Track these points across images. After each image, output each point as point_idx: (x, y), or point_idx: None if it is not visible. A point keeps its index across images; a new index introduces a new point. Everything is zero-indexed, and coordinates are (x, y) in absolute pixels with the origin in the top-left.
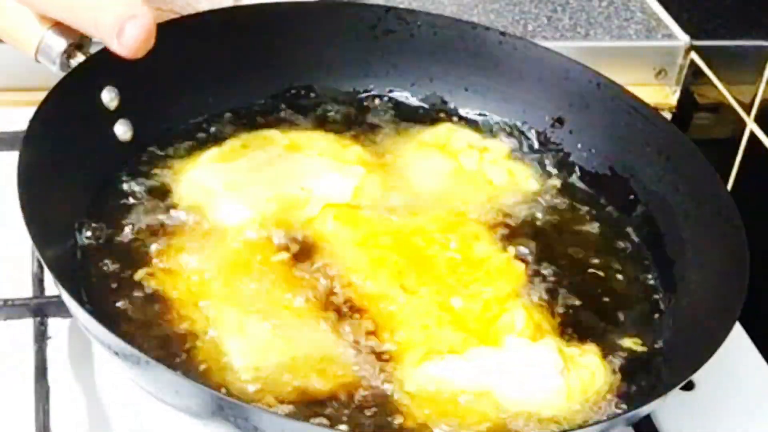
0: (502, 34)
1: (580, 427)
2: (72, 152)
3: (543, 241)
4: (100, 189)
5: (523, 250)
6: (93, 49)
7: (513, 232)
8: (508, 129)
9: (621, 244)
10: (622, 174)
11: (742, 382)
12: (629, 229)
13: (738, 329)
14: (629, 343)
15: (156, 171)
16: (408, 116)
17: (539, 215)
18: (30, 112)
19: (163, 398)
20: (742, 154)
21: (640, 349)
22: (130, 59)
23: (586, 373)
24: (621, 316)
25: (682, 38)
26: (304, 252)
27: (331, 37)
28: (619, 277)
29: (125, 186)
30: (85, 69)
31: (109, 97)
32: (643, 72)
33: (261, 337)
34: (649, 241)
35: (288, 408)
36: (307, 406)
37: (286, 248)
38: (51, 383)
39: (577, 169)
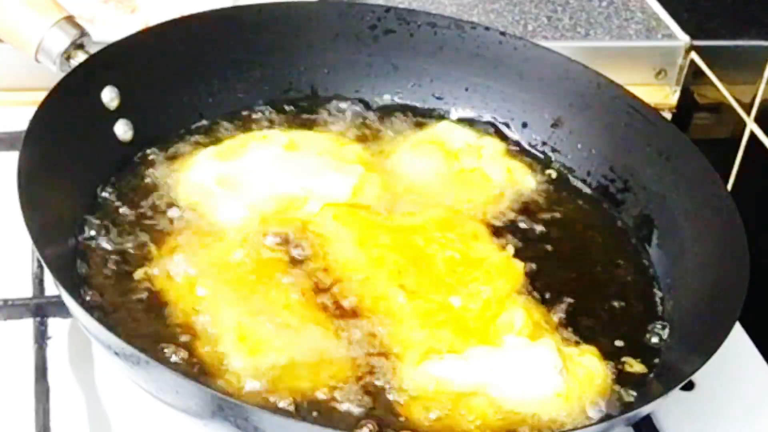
0: (502, 34)
1: (580, 427)
2: (72, 152)
3: (542, 239)
4: (100, 189)
5: (523, 248)
6: (93, 49)
7: (512, 231)
8: (507, 128)
9: (620, 243)
10: (622, 174)
11: (742, 382)
12: (629, 229)
13: (738, 329)
14: (628, 342)
15: (156, 171)
16: (408, 116)
17: (538, 214)
18: (30, 112)
19: (163, 398)
20: (742, 154)
21: (639, 349)
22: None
23: (585, 373)
24: (620, 316)
25: (682, 38)
26: (302, 251)
27: (331, 37)
28: (619, 276)
29: (125, 186)
30: (85, 69)
31: (109, 96)
32: (643, 72)
33: (260, 337)
34: (649, 241)
35: (288, 408)
36: (307, 405)
37: (285, 247)
38: (51, 383)
39: (576, 168)
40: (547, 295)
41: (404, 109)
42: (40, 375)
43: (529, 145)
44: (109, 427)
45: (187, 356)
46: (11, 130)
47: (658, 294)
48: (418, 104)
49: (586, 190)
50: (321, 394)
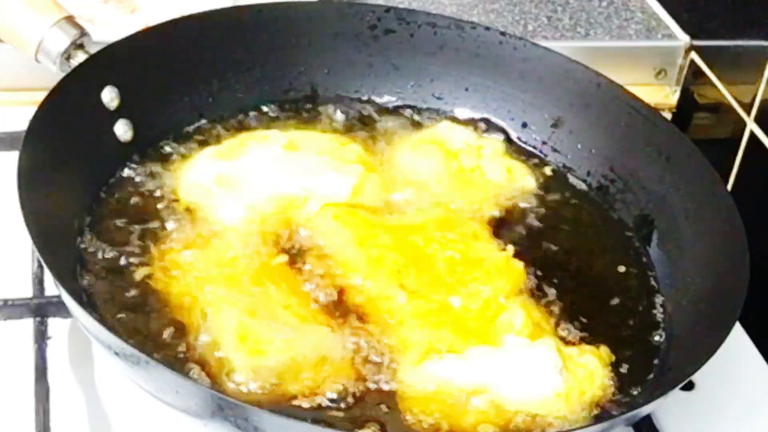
0: (502, 34)
1: (581, 427)
2: (72, 152)
3: (542, 239)
4: (100, 189)
5: (522, 248)
6: (93, 49)
7: (512, 231)
8: (507, 128)
9: (620, 243)
10: (622, 174)
11: (742, 382)
12: (629, 229)
13: (738, 329)
14: (628, 342)
15: (156, 171)
16: (408, 115)
17: (538, 214)
18: (30, 112)
19: (163, 398)
20: (742, 154)
21: (639, 349)
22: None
23: (585, 373)
24: (620, 316)
25: (682, 38)
26: (303, 251)
27: (331, 37)
28: (619, 276)
29: (125, 186)
30: (85, 69)
31: (109, 96)
32: (643, 72)
33: (260, 337)
34: (649, 241)
35: (288, 408)
36: (307, 405)
37: (285, 247)
38: (51, 383)
39: (576, 168)
40: (547, 295)
41: (404, 109)
42: (40, 375)
43: (529, 145)
44: (109, 427)
45: (187, 356)
46: (11, 130)
47: (658, 294)
48: (418, 104)
49: (586, 190)
50: (321, 394)
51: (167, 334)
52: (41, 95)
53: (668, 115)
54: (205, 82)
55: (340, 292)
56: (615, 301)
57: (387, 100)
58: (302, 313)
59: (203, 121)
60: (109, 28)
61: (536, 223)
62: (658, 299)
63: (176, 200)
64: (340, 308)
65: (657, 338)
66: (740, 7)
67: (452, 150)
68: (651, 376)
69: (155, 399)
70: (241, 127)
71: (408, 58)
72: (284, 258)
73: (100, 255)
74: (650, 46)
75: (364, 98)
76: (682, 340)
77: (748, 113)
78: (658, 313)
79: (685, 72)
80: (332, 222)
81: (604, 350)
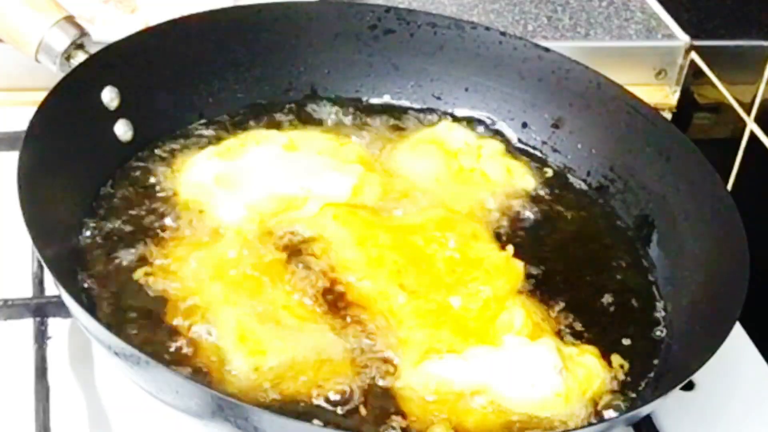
0: (502, 34)
1: (581, 427)
2: (72, 152)
3: (542, 239)
4: (100, 189)
5: (522, 248)
6: (93, 49)
7: (511, 231)
8: (507, 128)
9: (620, 243)
10: (622, 174)
11: (742, 382)
12: (629, 229)
13: (738, 329)
14: (628, 343)
15: (156, 170)
16: (407, 115)
17: (538, 214)
18: (30, 112)
19: (163, 398)
20: (742, 154)
21: (639, 349)
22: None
23: (585, 373)
24: (620, 316)
25: (682, 38)
26: (302, 251)
27: (331, 37)
28: (619, 276)
29: (125, 186)
30: (85, 69)
31: (109, 97)
32: (643, 72)
33: (260, 337)
34: (649, 241)
35: (287, 408)
36: (307, 405)
37: (285, 247)
38: (51, 383)
39: (576, 168)
40: (547, 295)
41: (404, 109)
42: (40, 375)
43: (529, 145)
44: (109, 427)
45: (187, 356)
46: (11, 130)
47: (658, 294)
48: (418, 104)
49: (586, 189)
50: (321, 394)
51: (167, 334)
52: (41, 95)
53: (668, 115)
54: (205, 82)
55: (340, 292)
56: (615, 300)
57: (387, 100)
58: (302, 313)
59: (203, 121)
60: (109, 28)
61: (536, 223)
62: (658, 299)
63: (176, 200)
64: (340, 308)
65: (657, 338)
66: (740, 7)
67: (452, 150)
68: (651, 375)
69: (155, 399)
70: (241, 127)
71: (408, 58)
72: (284, 258)
73: (100, 255)
74: (650, 46)
75: (364, 98)
76: (682, 340)
77: (748, 113)
78: (658, 313)
79: (685, 72)
80: (332, 222)
81: (615, 359)
